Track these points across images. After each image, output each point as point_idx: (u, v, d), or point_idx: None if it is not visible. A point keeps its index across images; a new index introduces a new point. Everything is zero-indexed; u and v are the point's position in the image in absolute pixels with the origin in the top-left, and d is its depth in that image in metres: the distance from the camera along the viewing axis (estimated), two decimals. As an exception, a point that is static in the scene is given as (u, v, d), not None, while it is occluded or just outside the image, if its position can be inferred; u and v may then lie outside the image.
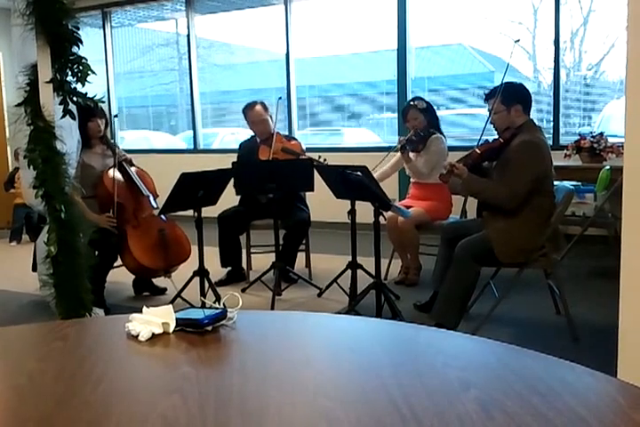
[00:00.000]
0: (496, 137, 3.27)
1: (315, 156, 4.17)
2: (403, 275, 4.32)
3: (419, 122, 4.19)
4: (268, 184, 3.74)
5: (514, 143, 3.12)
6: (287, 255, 4.26)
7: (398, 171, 4.62)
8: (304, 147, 4.43)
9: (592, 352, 2.89)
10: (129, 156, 4.08)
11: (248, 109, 4.45)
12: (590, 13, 5.72)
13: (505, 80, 3.25)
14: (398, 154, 4.30)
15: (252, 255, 4.53)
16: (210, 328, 1.17)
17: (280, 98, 4.43)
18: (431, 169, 4.17)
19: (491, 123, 3.29)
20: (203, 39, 7.66)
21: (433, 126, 4.25)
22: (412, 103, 4.28)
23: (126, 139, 8.29)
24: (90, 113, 3.72)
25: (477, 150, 3.25)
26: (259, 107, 4.42)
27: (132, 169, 4.02)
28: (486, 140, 3.33)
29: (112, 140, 4.10)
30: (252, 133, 4.55)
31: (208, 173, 3.55)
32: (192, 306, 1.29)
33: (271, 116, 4.45)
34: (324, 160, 4.06)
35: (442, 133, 4.29)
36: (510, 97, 3.18)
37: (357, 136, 7.03)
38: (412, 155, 4.21)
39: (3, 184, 6.62)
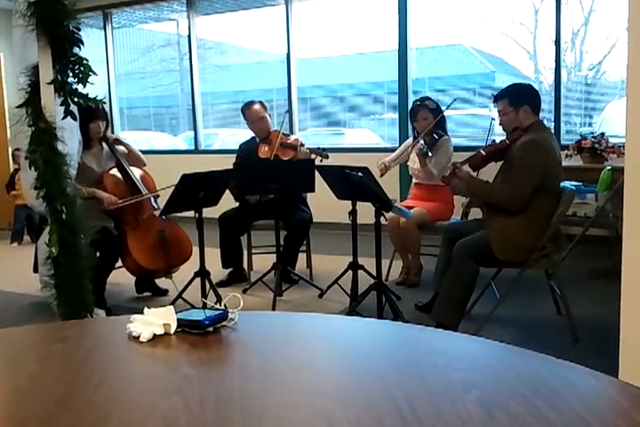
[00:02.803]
0: (503, 138, 3.27)
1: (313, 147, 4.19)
2: (404, 276, 4.32)
3: (428, 122, 4.15)
4: (270, 184, 3.74)
5: (518, 143, 3.14)
6: (288, 256, 4.25)
7: (399, 171, 4.61)
8: (302, 141, 4.42)
9: (593, 353, 2.89)
10: (115, 136, 4.16)
11: (246, 108, 4.48)
12: (591, 13, 5.72)
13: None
14: (403, 147, 4.29)
15: (252, 256, 4.52)
16: (211, 329, 1.17)
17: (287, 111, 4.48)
18: (440, 170, 4.16)
19: (500, 124, 3.30)
20: (203, 40, 7.66)
21: (441, 127, 4.23)
22: (421, 103, 4.22)
23: (127, 139, 8.27)
24: (92, 114, 3.74)
25: (483, 152, 3.25)
26: (257, 105, 4.45)
27: (132, 169, 4.02)
28: (493, 141, 3.33)
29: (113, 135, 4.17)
30: (252, 135, 4.56)
31: (209, 173, 3.55)
32: (193, 307, 1.29)
33: (270, 115, 4.49)
34: (323, 150, 4.05)
35: (447, 134, 4.28)
36: (518, 98, 3.19)
37: (359, 136, 7.03)
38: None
39: (4, 186, 6.62)
